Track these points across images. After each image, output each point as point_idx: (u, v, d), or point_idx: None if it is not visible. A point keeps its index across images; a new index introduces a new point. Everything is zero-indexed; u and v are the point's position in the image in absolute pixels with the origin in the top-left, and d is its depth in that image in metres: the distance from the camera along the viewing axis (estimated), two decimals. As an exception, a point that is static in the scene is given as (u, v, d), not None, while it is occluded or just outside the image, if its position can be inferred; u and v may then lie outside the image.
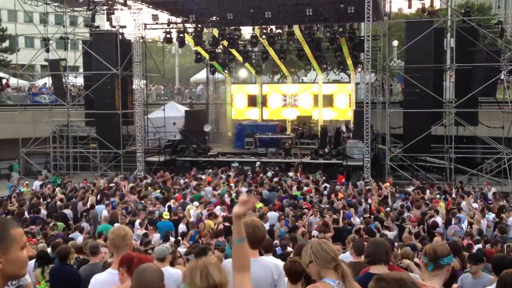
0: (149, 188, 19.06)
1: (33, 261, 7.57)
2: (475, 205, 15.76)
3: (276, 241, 10.46)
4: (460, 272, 7.77)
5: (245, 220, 5.55)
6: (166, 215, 14.02)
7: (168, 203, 15.91)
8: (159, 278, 3.27)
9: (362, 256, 7.63)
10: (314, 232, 11.81)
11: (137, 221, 13.42)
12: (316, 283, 3.70)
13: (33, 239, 10.85)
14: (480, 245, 10.79)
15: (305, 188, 18.54)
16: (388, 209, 15.52)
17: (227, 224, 12.73)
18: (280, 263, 4.78)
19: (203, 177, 21.21)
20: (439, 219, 13.86)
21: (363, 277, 4.66)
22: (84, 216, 14.92)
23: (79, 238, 11.59)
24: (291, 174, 21.90)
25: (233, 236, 3.27)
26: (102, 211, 14.90)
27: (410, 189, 19.04)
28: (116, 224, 11.47)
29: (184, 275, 2.70)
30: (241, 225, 3.19)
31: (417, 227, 12.62)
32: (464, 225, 13.66)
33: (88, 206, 15.93)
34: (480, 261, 7.28)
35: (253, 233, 4.17)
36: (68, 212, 15.27)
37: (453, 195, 17.86)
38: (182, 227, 13.49)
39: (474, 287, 7.05)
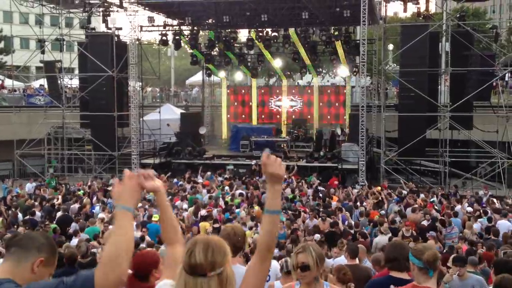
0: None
1: None
2: (469, 209, 15.81)
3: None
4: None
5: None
6: (155, 217, 13.87)
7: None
8: None
9: (357, 259, 7.72)
10: (317, 236, 11.78)
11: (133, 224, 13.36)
12: None
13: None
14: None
15: (302, 191, 18.58)
16: (383, 212, 15.52)
17: (216, 226, 12.76)
18: None
19: (200, 180, 21.17)
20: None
21: (384, 280, 4.66)
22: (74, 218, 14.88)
23: (73, 241, 11.57)
24: (285, 176, 21.87)
25: (265, 205, 2.72)
26: (99, 213, 14.86)
27: (404, 191, 19.07)
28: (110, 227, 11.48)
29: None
30: (276, 193, 2.64)
31: (410, 230, 12.63)
32: (458, 229, 13.69)
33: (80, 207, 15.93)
34: (465, 262, 7.31)
35: (232, 241, 3.96)
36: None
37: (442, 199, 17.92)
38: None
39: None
